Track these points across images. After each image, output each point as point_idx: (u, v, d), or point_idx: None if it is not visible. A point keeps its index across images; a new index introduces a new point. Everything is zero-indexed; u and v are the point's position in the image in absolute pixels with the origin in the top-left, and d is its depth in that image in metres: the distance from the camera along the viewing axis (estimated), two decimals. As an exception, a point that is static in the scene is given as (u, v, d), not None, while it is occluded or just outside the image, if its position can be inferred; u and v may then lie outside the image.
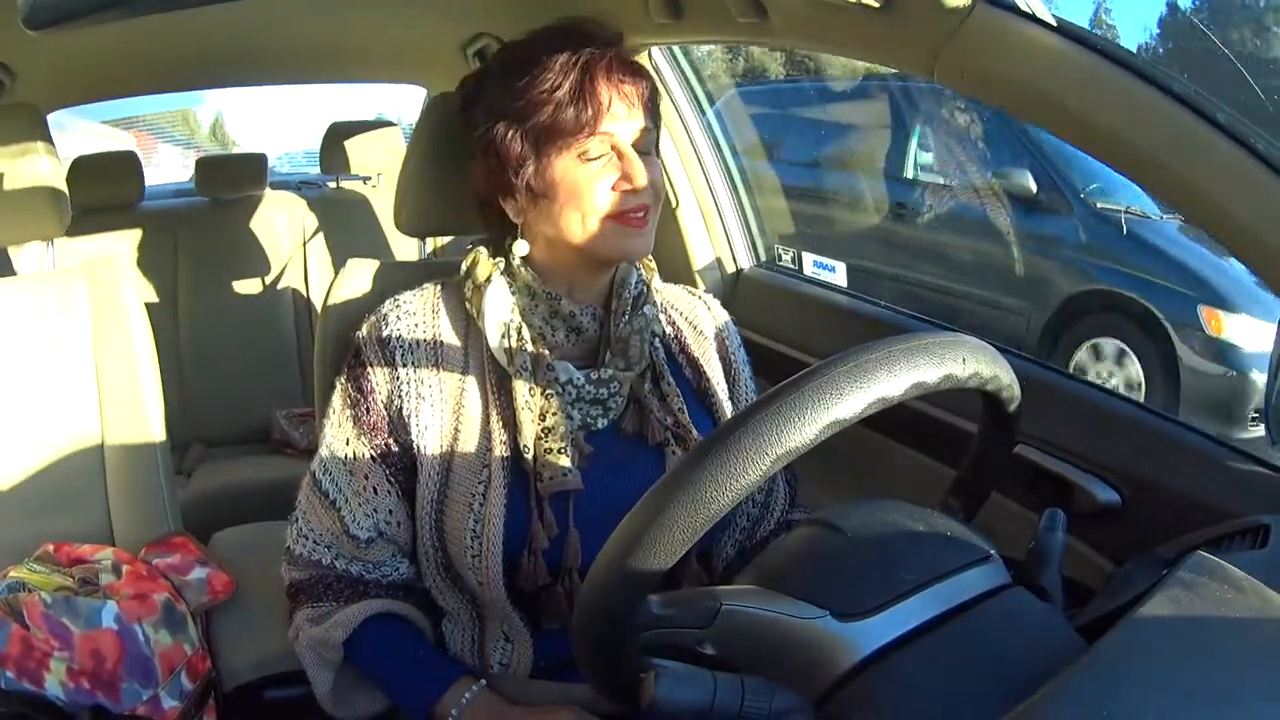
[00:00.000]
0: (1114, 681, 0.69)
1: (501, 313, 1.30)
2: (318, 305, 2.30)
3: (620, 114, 1.25)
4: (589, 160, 1.25)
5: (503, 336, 1.28)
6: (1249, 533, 0.98)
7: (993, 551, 0.89)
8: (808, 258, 2.38)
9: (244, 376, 3.20)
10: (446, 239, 3.23)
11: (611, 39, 1.30)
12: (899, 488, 1.20)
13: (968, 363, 0.87)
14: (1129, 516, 1.35)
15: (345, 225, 3.44)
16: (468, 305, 1.33)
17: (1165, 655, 0.73)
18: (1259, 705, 0.69)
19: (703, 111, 2.27)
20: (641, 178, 1.24)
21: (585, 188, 1.24)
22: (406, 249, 3.42)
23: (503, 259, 1.33)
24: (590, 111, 1.23)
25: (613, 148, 1.25)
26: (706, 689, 0.79)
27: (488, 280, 1.31)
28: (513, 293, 1.31)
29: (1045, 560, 0.95)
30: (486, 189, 1.34)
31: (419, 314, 1.32)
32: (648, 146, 1.29)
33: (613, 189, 1.25)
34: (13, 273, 1.80)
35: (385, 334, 1.30)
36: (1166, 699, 0.68)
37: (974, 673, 0.78)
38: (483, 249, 1.35)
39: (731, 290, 2.23)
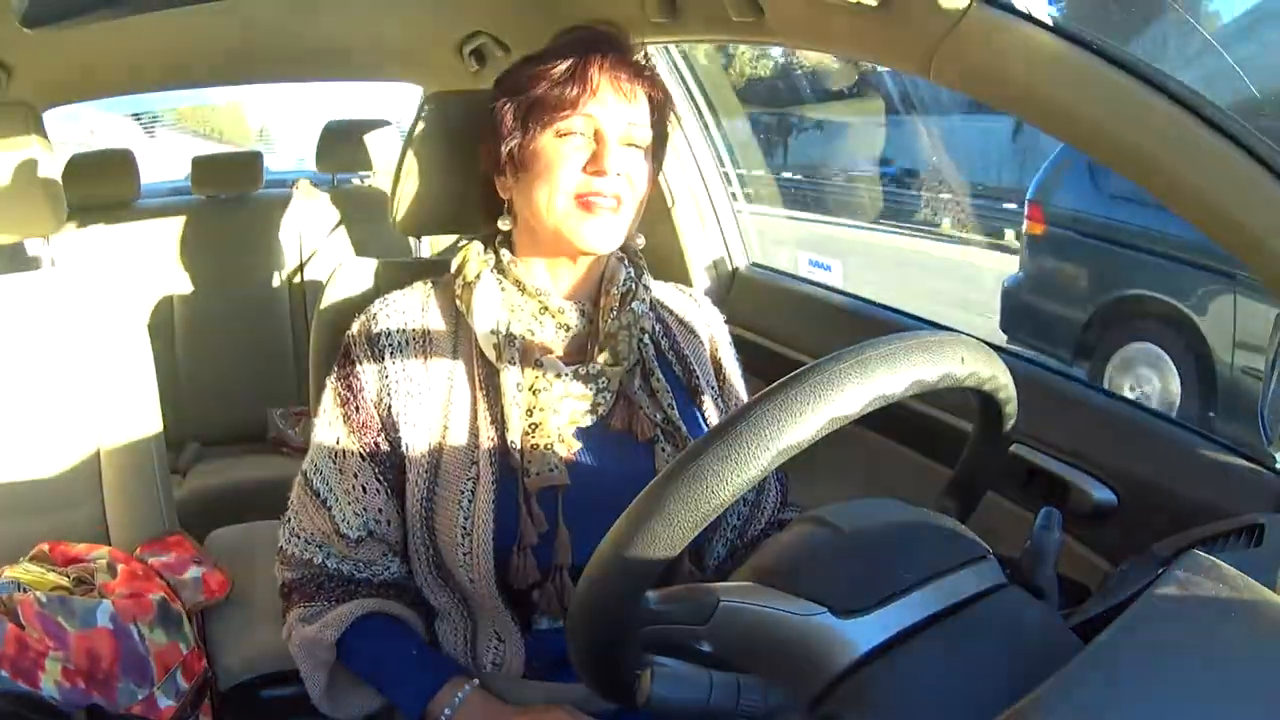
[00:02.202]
0: (1110, 681, 0.69)
1: (491, 309, 1.30)
2: (313, 304, 2.29)
3: (609, 100, 1.27)
4: (568, 138, 1.27)
5: (492, 332, 1.29)
6: (1244, 531, 0.98)
7: (988, 551, 0.89)
8: (802, 256, 2.38)
9: (240, 375, 3.20)
10: (445, 241, 3.22)
11: (625, 44, 1.34)
12: (895, 487, 1.20)
13: (966, 361, 0.87)
14: (1125, 515, 1.35)
15: (341, 223, 3.44)
16: (458, 302, 1.33)
17: (1161, 654, 0.73)
18: (1255, 703, 0.69)
19: (699, 112, 2.27)
20: (610, 163, 1.26)
21: (556, 163, 1.27)
22: (401, 248, 3.41)
23: (493, 255, 1.35)
24: (577, 90, 1.26)
25: (595, 132, 1.27)
26: (702, 688, 0.79)
27: (478, 277, 1.32)
28: (502, 289, 1.32)
29: (1041, 559, 0.95)
30: (487, 166, 1.37)
31: (409, 312, 1.33)
32: (636, 141, 1.30)
33: (583, 169, 1.27)
34: (27, 266, 1.79)
35: (375, 332, 1.31)
36: (1162, 698, 0.68)
37: (969, 672, 0.78)
38: (474, 246, 1.36)
39: (727, 289, 2.23)
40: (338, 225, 3.44)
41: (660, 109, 1.35)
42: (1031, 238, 4.73)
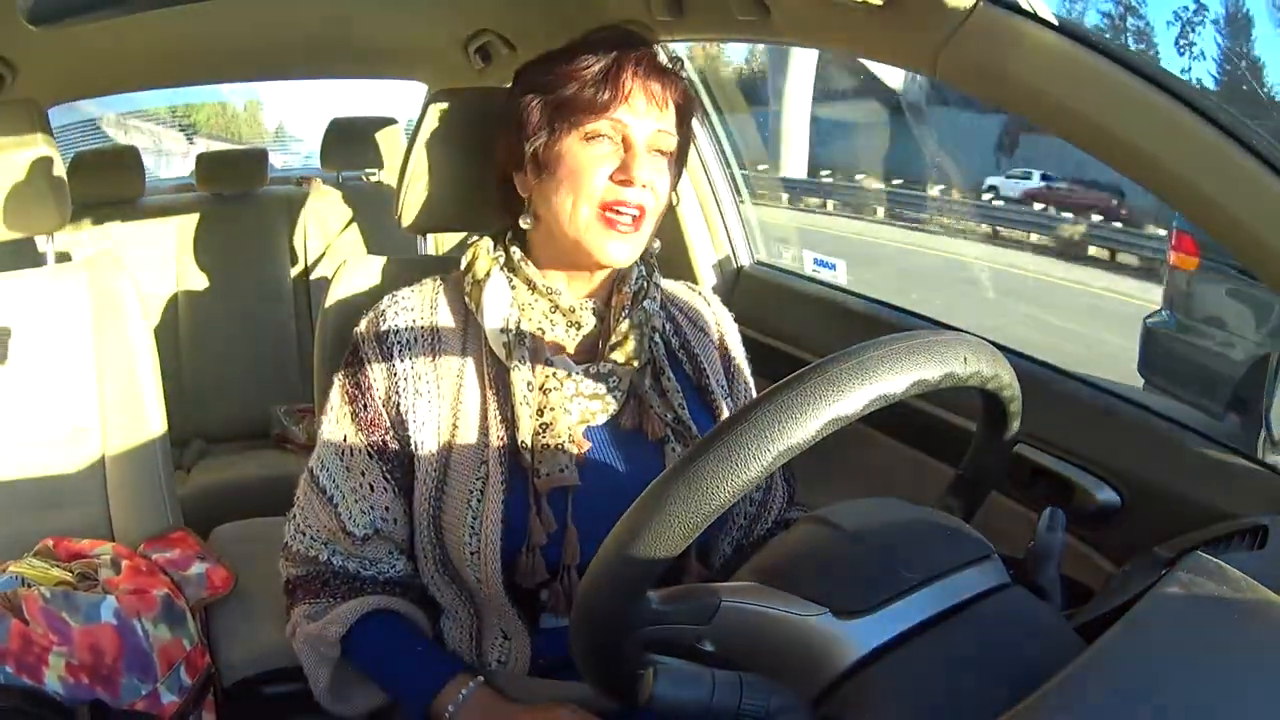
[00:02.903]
0: (1113, 681, 0.69)
1: (501, 307, 1.30)
2: (318, 301, 2.30)
3: (639, 108, 1.27)
4: (595, 143, 1.26)
5: (501, 331, 1.29)
6: (1248, 533, 0.98)
7: (992, 551, 0.89)
8: (808, 255, 2.38)
9: (244, 372, 3.21)
10: (454, 240, 3.22)
11: (655, 48, 1.33)
12: (899, 486, 1.20)
13: (969, 361, 0.87)
14: (1128, 516, 1.35)
15: (346, 221, 3.44)
16: (467, 300, 1.33)
17: (1164, 655, 0.73)
18: (1257, 705, 0.69)
19: (705, 112, 2.27)
20: (639, 170, 1.25)
21: (584, 169, 1.26)
22: (409, 246, 3.41)
23: (503, 253, 1.34)
24: (609, 95, 1.25)
25: (624, 138, 1.27)
26: (705, 687, 0.79)
27: (487, 275, 1.32)
28: (512, 287, 1.32)
29: (1044, 560, 0.95)
30: (504, 162, 1.36)
31: (417, 309, 1.33)
32: (662, 148, 1.30)
33: (610, 178, 1.26)
34: (36, 263, 1.80)
35: (383, 329, 1.31)
36: (1165, 699, 0.68)
37: (972, 672, 0.78)
38: (483, 243, 1.36)
39: (732, 287, 2.23)
40: (349, 224, 3.44)
41: (687, 116, 1.34)
42: (1180, 272, 4.22)
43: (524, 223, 1.34)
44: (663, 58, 1.33)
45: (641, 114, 1.27)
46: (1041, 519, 0.99)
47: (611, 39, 1.31)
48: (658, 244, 1.38)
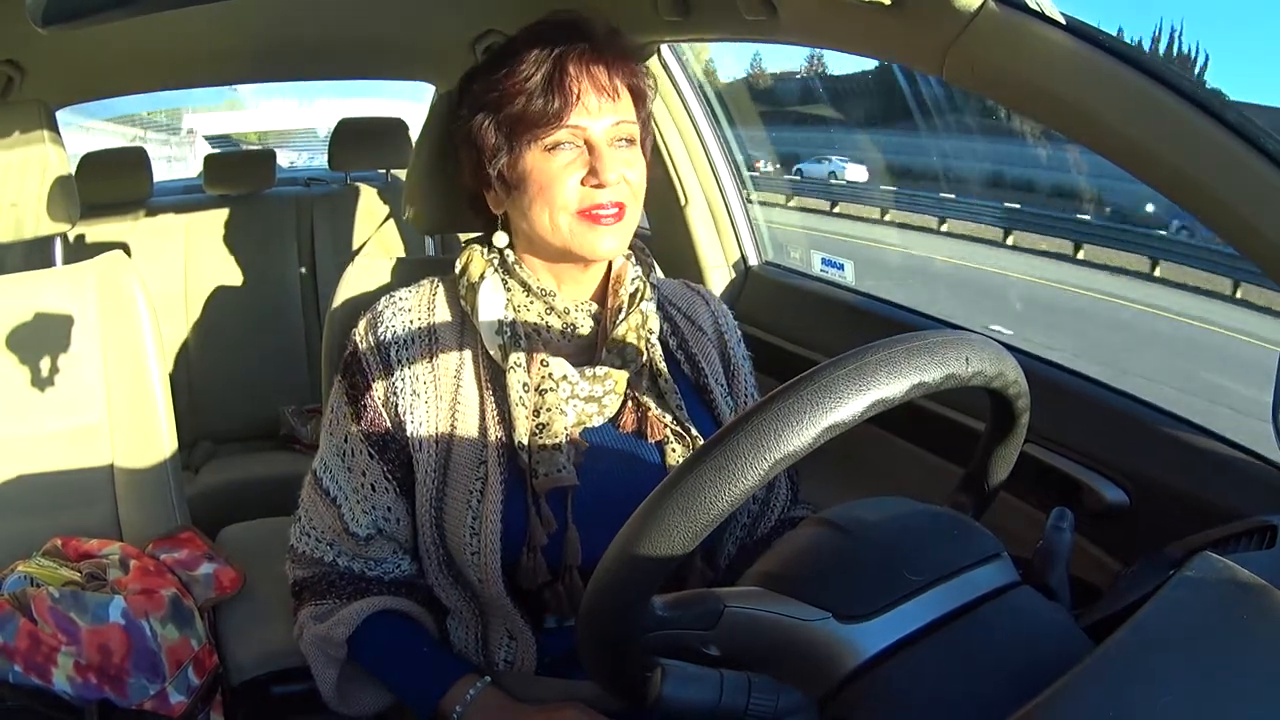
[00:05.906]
0: (1121, 682, 0.69)
1: (496, 310, 1.30)
2: (326, 302, 2.30)
3: (592, 106, 1.24)
4: (557, 152, 1.25)
5: (497, 333, 1.28)
6: (1256, 533, 0.97)
7: (1002, 549, 0.89)
8: (815, 255, 2.38)
9: (252, 373, 3.21)
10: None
11: (596, 31, 1.29)
12: (907, 485, 1.19)
13: (971, 361, 0.86)
14: (1137, 516, 1.35)
15: (354, 222, 3.45)
16: (462, 302, 1.33)
17: (1172, 655, 0.73)
18: (1266, 705, 0.69)
19: (712, 110, 2.27)
20: (609, 172, 1.23)
21: (552, 182, 1.24)
22: (415, 246, 3.42)
23: (497, 255, 1.34)
24: (559, 103, 1.23)
25: (585, 141, 1.25)
26: (713, 688, 0.79)
27: (482, 278, 1.31)
28: (507, 290, 1.31)
29: (1053, 559, 0.95)
30: (471, 182, 1.35)
31: (414, 311, 1.33)
32: (626, 137, 1.28)
33: (581, 183, 1.24)
34: (46, 263, 1.80)
35: (381, 331, 1.31)
36: (1173, 699, 0.68)
37: (980, 672, 0.78)
38: (476, 246, 1.36)
39: (740, 288, 2.23)
40: (350, 223, 3.45)
41: (642, 96, 1.32)
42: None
43: (499, 240, 1.33)
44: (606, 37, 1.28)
45: (596, 112, 1.25)
46: (1050, 518, 0.98)
47: (550, 35, 1.27)
48: (643, 220, 1.35)
